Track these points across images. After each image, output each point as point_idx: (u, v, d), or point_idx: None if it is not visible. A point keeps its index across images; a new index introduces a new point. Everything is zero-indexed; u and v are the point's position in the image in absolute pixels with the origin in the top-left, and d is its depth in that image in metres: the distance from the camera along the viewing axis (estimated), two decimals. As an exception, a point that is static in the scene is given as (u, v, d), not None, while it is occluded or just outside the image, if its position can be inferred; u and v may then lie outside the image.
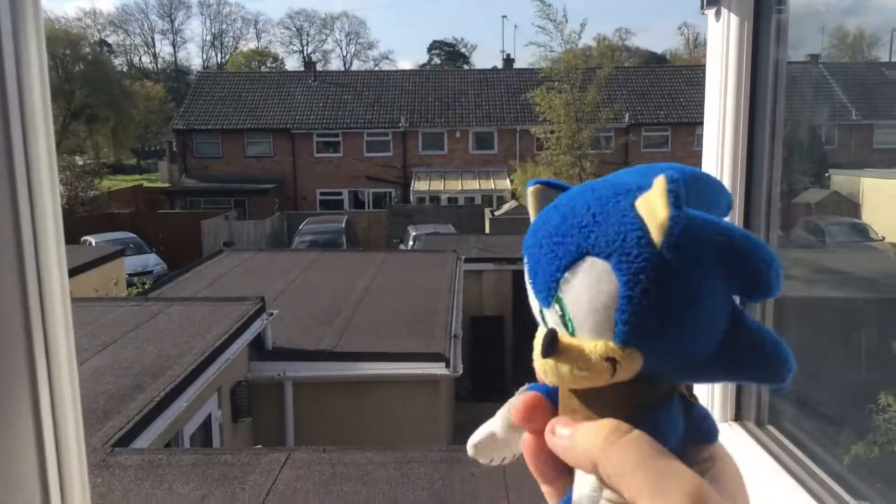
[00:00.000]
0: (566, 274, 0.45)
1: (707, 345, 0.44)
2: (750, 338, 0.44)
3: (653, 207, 0.42)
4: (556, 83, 24.39)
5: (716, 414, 1.41)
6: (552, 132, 24.43)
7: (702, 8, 1.32)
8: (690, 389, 0.49)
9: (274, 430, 7.62)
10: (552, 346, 0.46)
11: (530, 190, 0.51)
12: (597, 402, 0.47)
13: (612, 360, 0.44)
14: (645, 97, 33.55)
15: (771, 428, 1.38)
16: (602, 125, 23.69)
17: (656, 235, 0.42)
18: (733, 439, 1.37)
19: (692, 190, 0.45)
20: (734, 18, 1.28)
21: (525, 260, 0.48)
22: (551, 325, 0.47)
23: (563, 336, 0.46)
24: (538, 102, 24.83)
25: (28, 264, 0.53)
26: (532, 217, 0.51)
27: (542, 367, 0.48)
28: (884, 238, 8.53)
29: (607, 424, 0.45)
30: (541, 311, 0.48)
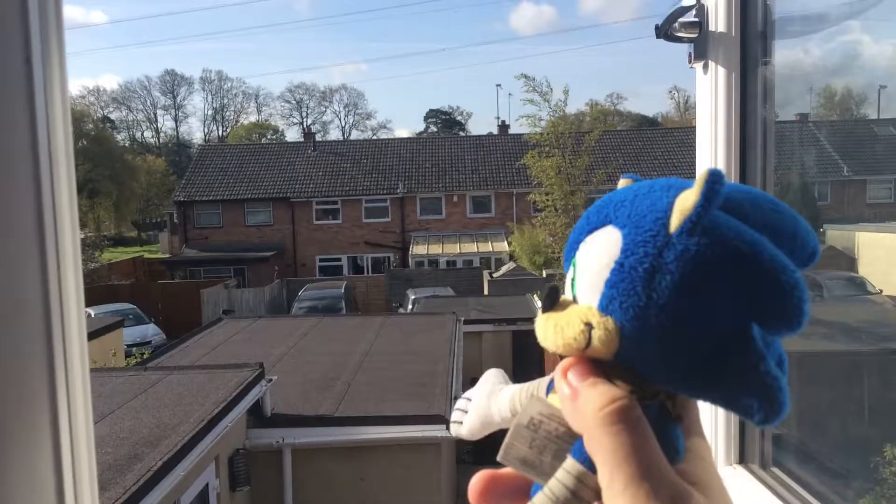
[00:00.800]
0: (587, 237, 0.46)
1: (687, 348, 0.42)
2: (754, 370, 0.41)
3: (685, 196, 0.43)
4: (547, 148, 24.90)
5: (719, 457, 1.40)
6: (546, 194, 24.79)
7: (690, 62, 1.35)
8: (680, 409, 0.46)
9: (273, 499, 7.47)
10: (550, 298, 0.47)
11: (621, 182, 0.52)
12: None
13: (588, 326, 0.44)
14: (638, 159, 34.05)
15: (776, 470, 1.37)
16: (595, 187, 24.04)
17: (675, 220, 0.42)
18: (738, 482, 1.36)
19: (758, 213, 0.44)
20: (721, 71, 1.31)
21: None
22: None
23: (564, 296, 0.47)
24: (530, 167, 25.29)
25: (55, 330, 0.55)
26: None
27: (537, 327, 0.47)
28: (881, 291, 8.56)
29: (615, 401, 0.42)
30: (570, 280, 0.48)
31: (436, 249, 30.71)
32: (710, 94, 1.33)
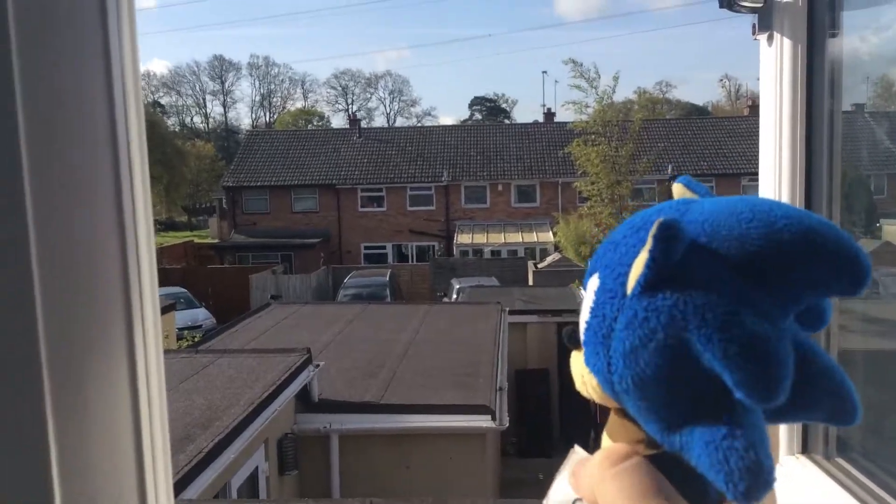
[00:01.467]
0: (588, 280, 0.47)
1: (652, 411, 0.41)
2: (716, 445, 0.40)
3: (642, 256, 0.41)
4: (593, 136, 24.59)
5: (782, 447, 1.38)
6: (592, 184, 24.52)
7: (753, 33, 1.31)
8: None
9: (320, 483, 7.60)
10: (571, 340, 0.47)
11: (675, 188, 0.52)
12: (625, 432, 0.46)
13: (582, 378, 0.45)
14: (687, 148, 33.43)
15: (840, 460, 1.35)
16: (640, 177, 23.65)
17: (630, 282, 0.41)
18: (801, 472, 1.34)
19: (737, 248, 0.41)
20: (787, 42, 1.26)
21: None
22: None
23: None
24: (576, 156, 25.03)
25: (134, 309, 0.57)
26: None
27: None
28: (941, 288, 8.30)
29: (604, 451, 0.44)
30: None
31: (480, 239, 30.67)
32: (775, 67, 1.28)
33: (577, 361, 0.46)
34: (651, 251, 0.40)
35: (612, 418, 0.47)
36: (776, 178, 1.33)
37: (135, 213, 0.56)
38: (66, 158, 0.47)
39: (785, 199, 1.29)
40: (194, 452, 5.62)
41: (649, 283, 0.40)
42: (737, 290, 0.40)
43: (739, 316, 0.38)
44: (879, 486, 1.22)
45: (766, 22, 1.28)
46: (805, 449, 1.38)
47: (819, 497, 1.26)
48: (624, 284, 0.42)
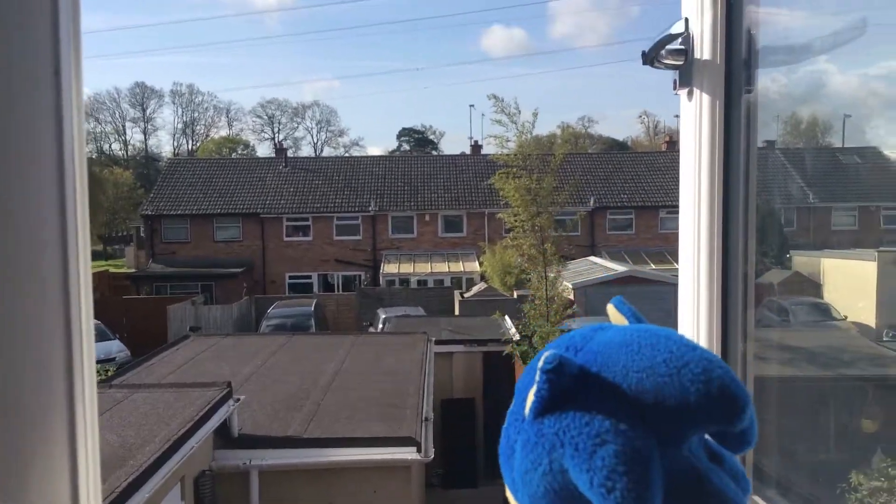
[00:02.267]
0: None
1: None
2: None
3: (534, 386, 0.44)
4: (514, 169, 25.19)
5: None
6: (514, 216, 25.06)
7: (675, 89, 1.37)
8: None
9: (239, 522, 7.33)
10: None
11: (609, 308, 0.54)
12: None
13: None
14: (608, 181, 34.45)
15: (756, 498, 1.38)
16: (560, 208, 24.31)
17: (527, 406, 0.44)
18: None
19: (624, 380, 0.43)
20: (706, 98, 1.33)
21: None
22: None
23: None
24: (499, 188, 25.56)
25: (75, 334, 0.56)
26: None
27: None
28: (846, 317, 8.75)
29: None
30: None
31: (407, 268, 30.67)
32: (695, 120, 1.35)
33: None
34: (538, 383, 0.42)
35: None
36: (696, 217, 1.39)
37: (78, 236, 0.55)
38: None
39: (703, 235, 1.34)
40: (107, 493, 5.34)
41: (538, 411, 0.43)
42: (616, 421, 0.42)
43: (605, 447, 0.40)
44: None
45: (686, 79, 1.35)
46: None
47: None
48: (524, 409, 0.44)
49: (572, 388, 0.43)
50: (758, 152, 1.38)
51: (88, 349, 0.58)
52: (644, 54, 1.37)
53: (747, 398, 0.43)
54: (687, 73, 1.35)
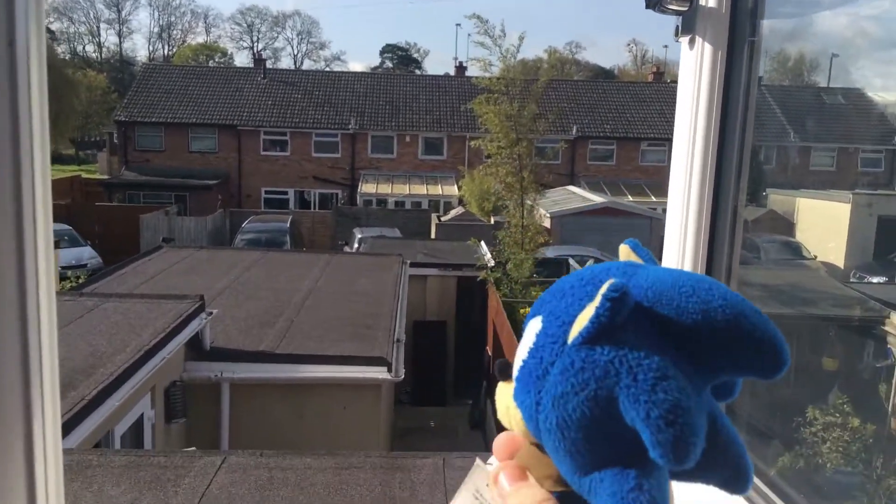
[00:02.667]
0: (531, 319, 0.48)
1: (567, 454, 0.44)
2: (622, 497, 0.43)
3: (588, 310, 0.44)
4: (496, 95, 24.81)
5: None
6: (491, 141, 24.86)
7: (676, 35, 1.35)
8: None
9: (208, 432, 7.45)
10: (502, 372, 0.49)
11: (622, 249, 0.55)
12: (538, 466, 0.49)
13: (507, 411, 0.48)
14: (592, 110, 34.13)
15: None
16: (539, 135, 24.09)
17: (572, 332, 0.44)
18: None
19: (679, 318, 0.44)
20: (708, 47, 1.30)
21: None
22: None
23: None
24: (478, 113, 25.22)
25: (28, 261, 0.54)
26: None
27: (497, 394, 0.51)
28: (815, 257, 8.89)
29: (530, 496, 0.46)
30: None
31: (385, 189, 30.48)
32: (695, 69, 1.32)
33: (505, 393, 0.49)
34: (598, 308, 0.43)
35: (528, 449, 0.50)
36: (688, 164, 1.37)
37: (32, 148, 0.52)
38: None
39: (695, 186, 1.34)
40: (76, 400, 5.37)
41: (590, 337, 0.43)
42: (668, 357, 0.43)
43: (667, 382, 0.41)
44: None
45: (689, 26, 1.32)
46: None
47: None
48: (566, 333, 0.44)
49: (629, 319, 0.44)
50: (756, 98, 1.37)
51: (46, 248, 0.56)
52: None
53: (789, 354, 0.45)
54: (690, 20, 1.32)
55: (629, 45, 77.86)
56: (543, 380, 0.44)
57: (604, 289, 0.43)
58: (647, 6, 1.29)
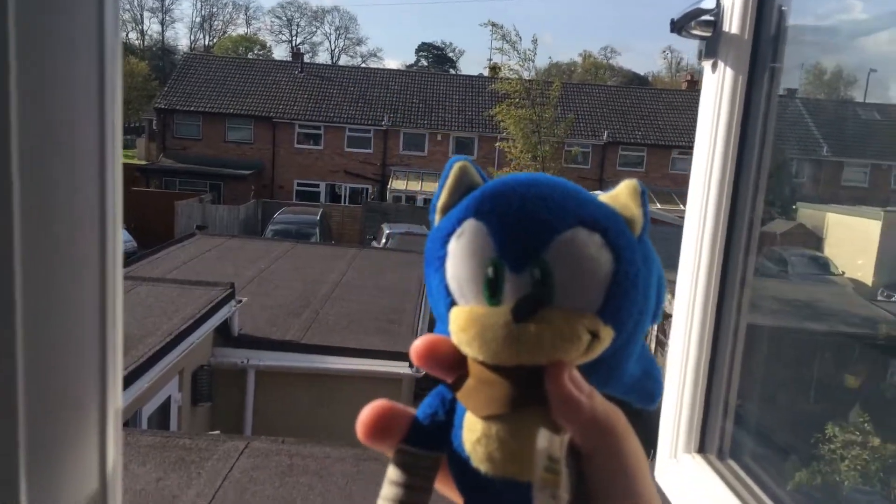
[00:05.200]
0: (558, 238, 0.42)
1: (645, 322, 0.46)
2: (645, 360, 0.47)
3: (624, 202, 0.46)
4: (516, 99, 24.68)
5: (680, 444, 1.45)
6: (513, 146, 24.83)
7: (699, 59, 1.38)
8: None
9: (232, 417, 7.61)
10: (535, 308, 0.42)
11: (458, 165, 0.49)
12: (488, 386, 0.44)
13: (593, 335, 0.42)
14: (624, 117, 33.88)
15: (731, 462, 1.42)
16: (560, 139, 23.91)
17: (637, 226, 0.45)
18: (695, 471, 1.40)
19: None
20: (729, 72, 1.33)
21: (482, 224, 0.44)
22: (514, 291, 0.43)
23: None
24: (501, 119, 25.12)
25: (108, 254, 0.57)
26: (447, 195, 0.50)
27: (514, 336, 0.42)
28: (843, 273, 8.79)
29: (623, 417, 0.43)
30: (488, 279, 0.43)
31: (415, 186, 30.60)
32: (716, 92, 1.35)
33: (560, 324, 0.43)
34: (644, 202, 0.46)
35: (476, 367, 0.45)
36: (705, 187, 1.41)
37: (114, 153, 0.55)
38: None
39: (712, 201, 1.38)
40: (106, 379, 5.53)
41: (647, 227, 0.46)
42: None
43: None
44: (763, 491, 1.32)
45: (712, 50, 1.35)
46: (701, 448, 1.44)
47: (708, 497, 1.33)
48: (630, 234, 0.45)
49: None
50: (777, 106, 1.38)
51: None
52: (673, 22, 1.37)
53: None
54: (713, 44, 1.34)
55: (664, 52, 77.11)
56: (638, 280, 0.44)
57: (636, 187, 0.48)
58: (672, 30, 1.34)
